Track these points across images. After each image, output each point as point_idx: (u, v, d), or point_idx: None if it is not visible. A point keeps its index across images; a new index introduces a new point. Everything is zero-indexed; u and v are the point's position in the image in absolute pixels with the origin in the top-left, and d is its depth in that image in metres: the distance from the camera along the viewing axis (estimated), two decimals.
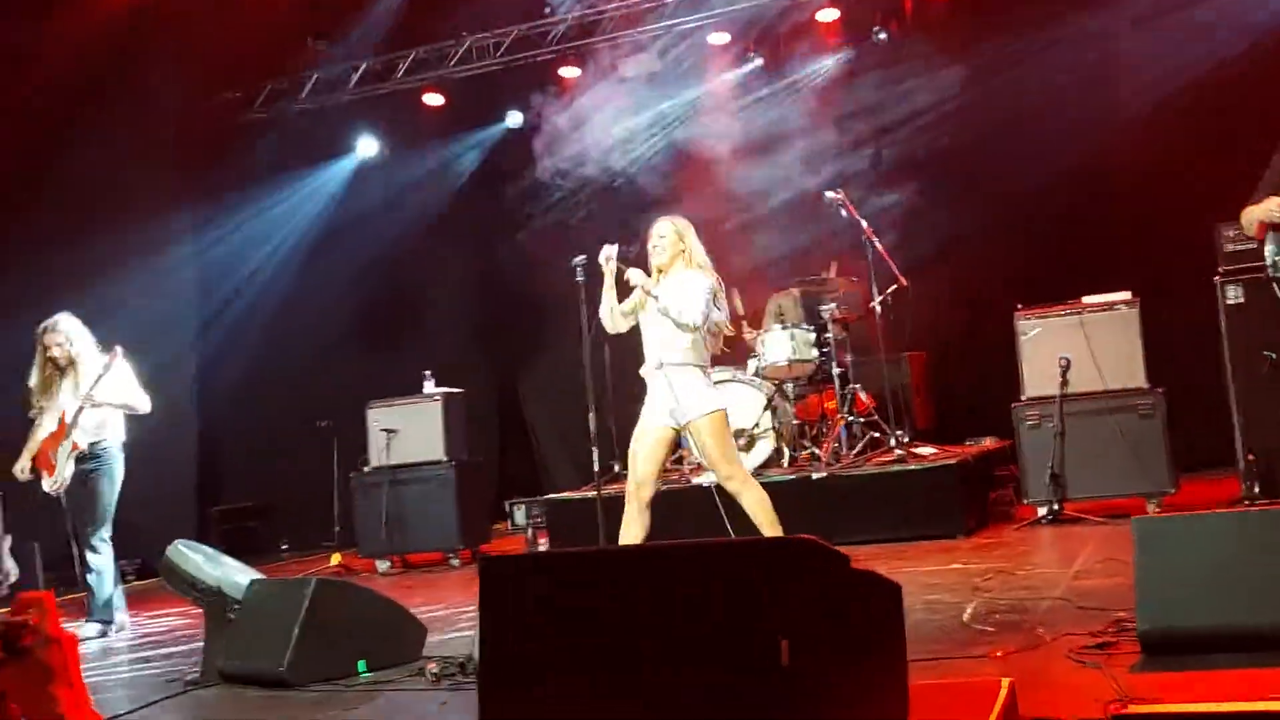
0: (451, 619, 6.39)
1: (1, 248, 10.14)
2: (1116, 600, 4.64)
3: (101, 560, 7.23)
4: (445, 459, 9.27)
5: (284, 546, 12.01)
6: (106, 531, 7.27)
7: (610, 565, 2.32)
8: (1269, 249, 5.21)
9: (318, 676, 4.94)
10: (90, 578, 7.24)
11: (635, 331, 6.22)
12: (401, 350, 11.83)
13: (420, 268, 12.73)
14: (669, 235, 6.12)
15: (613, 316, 6.04)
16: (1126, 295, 7.77)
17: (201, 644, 5.51)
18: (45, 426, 7.22)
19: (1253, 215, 5.36)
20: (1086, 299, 7.85)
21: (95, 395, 7.11)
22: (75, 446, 7.12)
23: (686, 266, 6.10)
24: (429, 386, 9.57)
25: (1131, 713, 3.03)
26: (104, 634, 7.16)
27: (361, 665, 5.04)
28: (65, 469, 7.12)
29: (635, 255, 7.12)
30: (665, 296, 5.91)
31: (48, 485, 7.18)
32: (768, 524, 5.99)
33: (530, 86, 12.17)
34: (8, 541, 7.63)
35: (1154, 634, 3.88)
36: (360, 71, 12.38)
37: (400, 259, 12.52)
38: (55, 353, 7.23)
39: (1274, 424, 6.99)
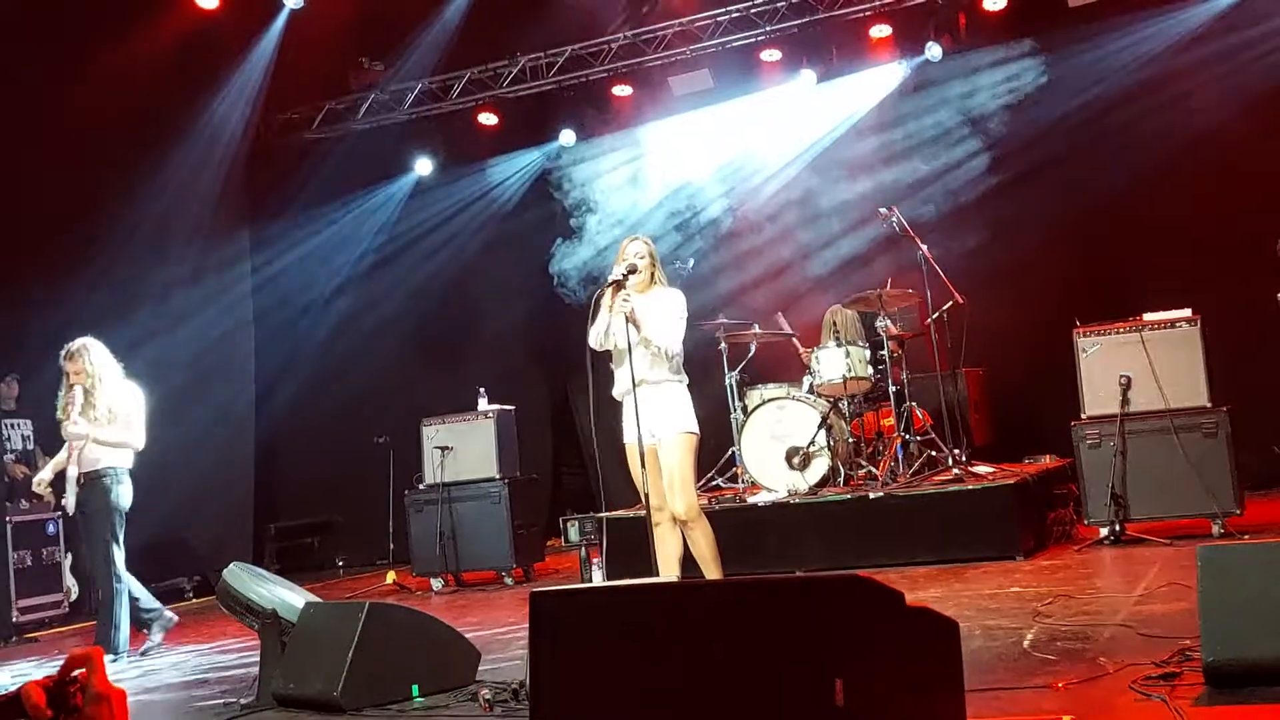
0: (505, 640, 6.38)
1: (80, 265, 10.27)
2: (1181, 627, 4.56)
3: (116, 586, 7.20)
4: (498, 476, 9.28)
5: (340, 563, 12.07)
6: (117, 556, 7.22)
7: (661, 601, 2.29)
8: None
9: (371, 701, 4.93)
10: (101, 610, 7.30)
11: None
12: (456, 366, 11.91)
13: (475, 284, 12.79)
14: (646, 256, 6.05)
15: (605, 336, 5.94)
16: (1188, 313, 7.65)
17: (256, 667, 5.53)
18: (66, 448, 7.23)
19: None
20: (1147, 316, 7.73)
21: (95, 432, 7.09)
22: (79, 474, 7.13)
23: (658, 285, 6.08)
24: (483, 403, 9.58)
25: None
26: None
27: (415, 690, 5.03)
28: (70, 496, 7.14)
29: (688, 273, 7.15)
30: (647, 327, 5.81)
31: (68, 504, 7.24)
32: (712, 562, 5.97)
33: (583, 105, 12.23)
34: (69, 560, 7.69)
35: (1220, 665, 3.80)
36: (416, 92, 12.47)
37: (455, 276, 12.59)
38: (74, 378, 7.18)
39: None
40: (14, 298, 9.67)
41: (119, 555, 7.27)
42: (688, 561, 6.21)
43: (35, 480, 7.30)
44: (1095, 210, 10.18)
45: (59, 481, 7.25)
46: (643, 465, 5.84)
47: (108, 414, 7.13)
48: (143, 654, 7.22)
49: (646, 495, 5.81)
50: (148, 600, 7.46)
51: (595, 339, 5.96)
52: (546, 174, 12.80)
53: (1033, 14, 10.74)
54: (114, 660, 7.04)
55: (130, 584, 7.30)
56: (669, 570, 6.00)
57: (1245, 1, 9.97)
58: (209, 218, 11.91)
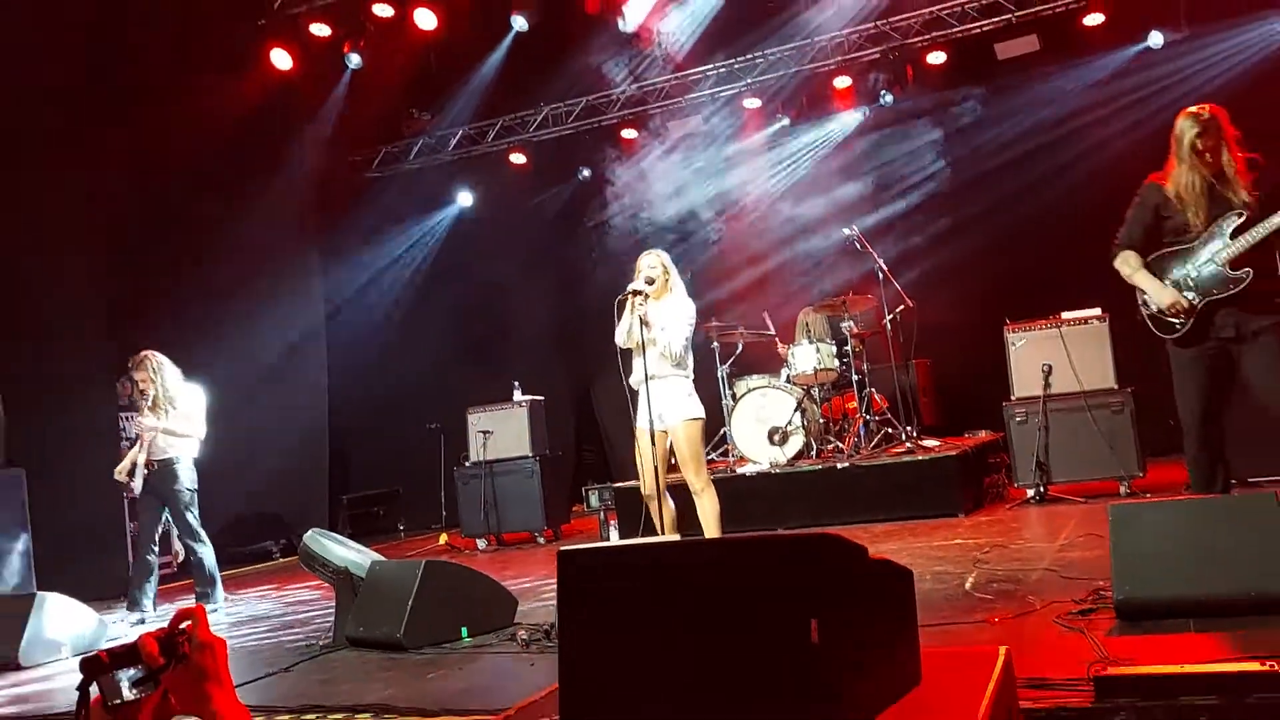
0: (538, 590, 6.39)
1: (183, 283, 10.32)
2: (1096, 571, 4.56)
3: (202, 549, 7.21)
4: (531, 454, 9.29)
5: (401, 528, 12.08)
6: (196, 525, 7.22)
7: (667, 556, 2.30)
8: (1140, 296, 4.94)
9: (428, 641, 4.95)
10: (195, 569, 7.25)
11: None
12: (495, 364, 11.90)
13: (510, 296, 12.79)
14: (659, 267, 5.89)
15: (629, 336, 5.81)
16: (1098, 311, 7.64)
17: (332, 614, 5.55)
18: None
19: (1130, 278, 4.93)
20: (1065, 314, 7.72)
21: (163, 425, 7.09)
22: (148, 461, 7.11)
23: (670, 293, 5.91)
24: (517, 394, 9.59)
25: (1111, 674, 2.95)
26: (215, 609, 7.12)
27: (464, 631, 5.05)
28: (137, 480, 7.11)
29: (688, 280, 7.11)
30: (659, 333, 5.71)
31: (132, 489, 7.26)
32: (715, 527, 5.87)
33: (598, 146, 12.23)
34: (133, 530, 7.69)
35: (1128, 602, 3.80)
36: (457, 137, 12.47)
37: (494, 289, 12.60)
38: (142, 384, 7.16)
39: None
40: (130, 309, 9.70)
41: (198, 523, 7.27)
42: (689, 525, 6.18)
43: (116, 470, 7.20)
44: (1021, 226, 10.15)
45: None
46: (654, 444, 5.73)
47: (171, 410, 7.11)
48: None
49: (656, 469, 5.73)
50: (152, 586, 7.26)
51: (620, 338, 5.82)
52: (568, 202, 12.80)
53: (969, 65, 10.73)
54: (213, 611, 7.04)
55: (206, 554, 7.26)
56: (668, 533, 5.96)
57: (1143, 54, 9.98)
58: (286, 241, 11.93)
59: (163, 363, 7.22)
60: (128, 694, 1.46)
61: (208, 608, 6.95)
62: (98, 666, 1.47)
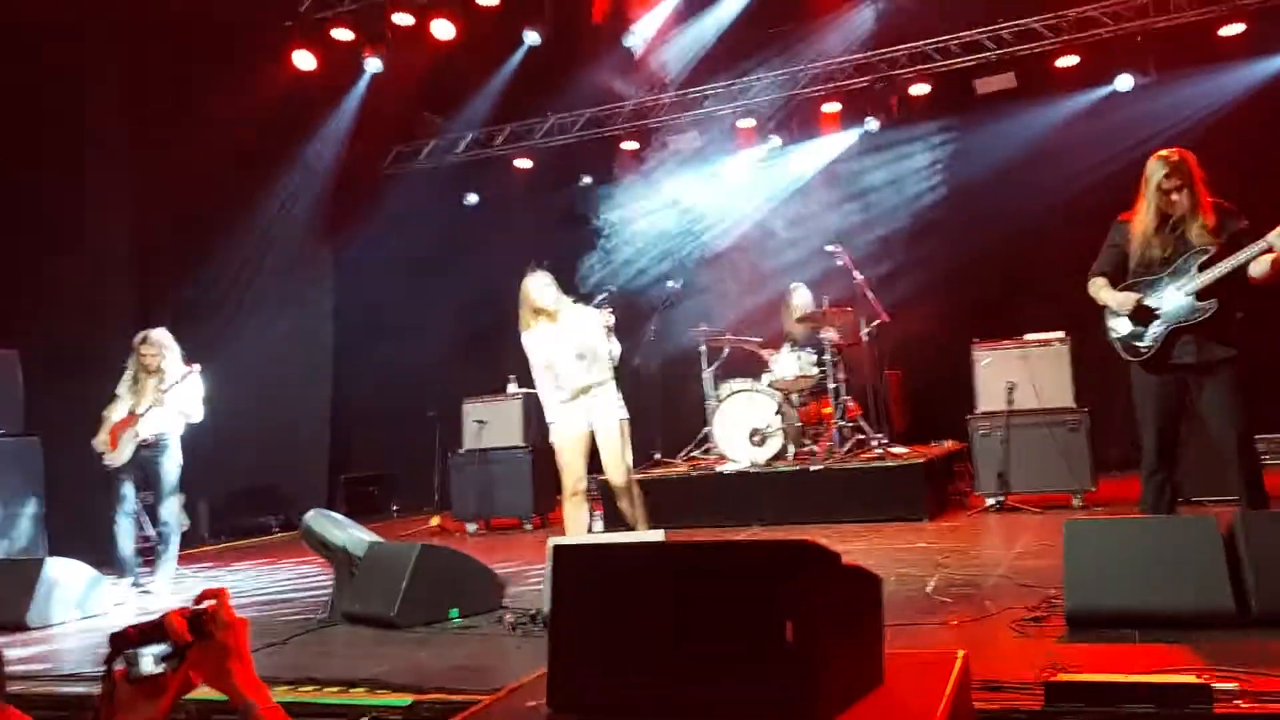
0: (525, 574, 6.41)
1: (200, 272, 10.32)
2: (1049, 579, 4.59)
3: (169, 526, 6.98)
4: (523, 445, 9.30)
5: (395, 509, 12.08)
6: (176, 502, 7.05)
7: (652, 555, 2.33)
8: (1108, 322, 4.98)
9: (420, 620, 4.94)
10: (161, 544, 6.99)
11: (666, 347, 6.28)
12: (492, 357, 11.84)
13: (509, 293, 12.64)
14: (552, 285, 6.21)
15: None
16: (1060, 334, 7.71)
17: (330, 591, 5.55)
18: (118, 413, 6.95)
19: (1097, 297, 4.97)
20: (1028, 336, 7.78)
21: (165, 399, 6.84)
22: (139, 436, 6.86)
23: (571, 305, 6.23)
24: (512, 387, 9.60)
25: (1060, 680, 3.00)
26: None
27: (454, 612, 5.04)
28: (126, 451, 6.84)
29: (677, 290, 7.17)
30: (601, 342, 5.95)
31: (109, 459, 6.88)
32: (644, 520, 6.04)
33: (599, 155, 12.23)
34: (182, 498, 7.59)
35: (1078, 612, 3.86)
36: (467, 140, 12.46)
37: (493, 286, 12.47)
38: (148, 360, 6.94)
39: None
40: (151, 289, 9.69)
41: (180, 503, 7.15)
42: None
43: (95, 442, 6.91)
44: (992, 251, 10.22)
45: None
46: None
47: (174, 386, 6.88)
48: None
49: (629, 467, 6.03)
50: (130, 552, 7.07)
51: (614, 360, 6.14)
52: (568, 208, 12.79)
53: (949, 98, 10.79)
54: (145, 593, 6.81)
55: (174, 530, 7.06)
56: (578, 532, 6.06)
57: (1111, 96, 10.06)
58: (300, 232, 11.92)
59: (171, 342, 7.07)
60: (153, 668, 1.48)
61: (153, 580, 6.91)
62: (125, 641, 1.49)
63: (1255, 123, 9.18)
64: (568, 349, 6.00)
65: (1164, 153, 4.74)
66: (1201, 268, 4.59)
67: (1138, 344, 4.78)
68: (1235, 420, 4.59)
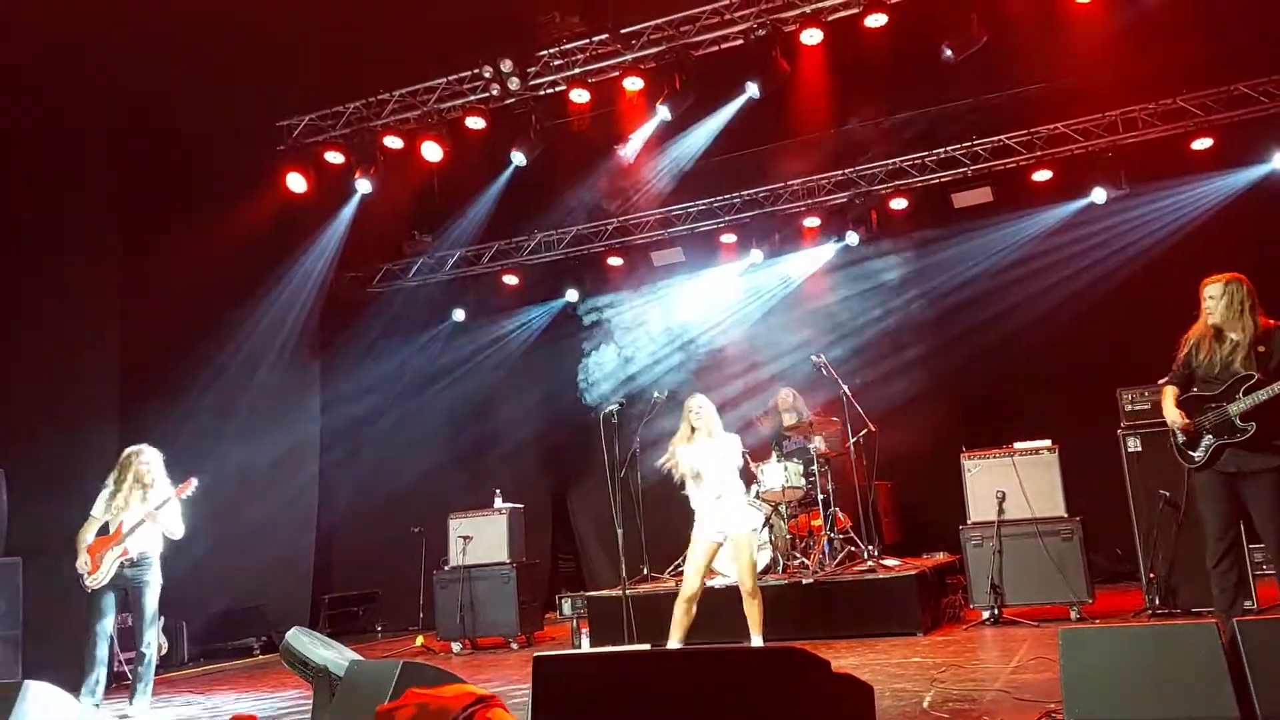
0: (509, 695, 6.21)
1: (190, 384, 10.32)
2: (1048, 693, 4.50)
3: (150, 646, 6.73)
4: (508, 561, 9.15)
5: (379, 628, 11.81)
6: (156, 622, 6.83)
7: (636, 665, 2.26)
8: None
9: None
10: (141, 666, 6.70)
11: (653, 460, 6.40)
12: (478, 472, 11.82)
13: (495, 408, 12.78)
14: (707, 407, 6.55)
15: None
16: (1048, 442, 7.71)
17: (310, 711, 5.37)
18: (91, 534, 6.76)
19: (1166, 413, 5.34)
20: (1017, 444, 7.77)
21: (159, 515, 6.74)
22: (125, 553, 6.68)
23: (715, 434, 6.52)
24: (498, 502, 9.49)
25: None
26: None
27: None
28: (108, 570, 6.67)
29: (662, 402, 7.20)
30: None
31: (91, 581, 6.67)
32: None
33: (585, 271, 12.39)
34: (161, 621, 7.38)
35: None
36: (455, 258, 12.63)
37: (480, 401, 12.59)
38: (142, 474, 6.82)
39: (1169, 549, 6.88)
40: (137, 407, 9.64)
41: (159, 623, 6.92)
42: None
43: (79, 565, 6.69)
44: (976, 360, 10.31)
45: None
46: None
47: (161, 504, 6.78)
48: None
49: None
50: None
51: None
52: (554, 323, 12.90)
53: (928, 211, 11.03)
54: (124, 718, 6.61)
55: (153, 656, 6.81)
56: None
57: (1087, 208, 10.30)
58: (290, 350, 11.96)
59: (157, 458, 6.98)
60: None
61: (130, 705, 6.67)
62: None
63: (1228, 232, 9.38)
64: (710, 463, 6.43)
65: (1215, 277, 5.16)
66: (1245, 392, 5.00)
67: (1192, 453, 5.21)
68: (1276, 522, 4.94)
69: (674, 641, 6.33)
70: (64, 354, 9.30)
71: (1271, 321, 5.06)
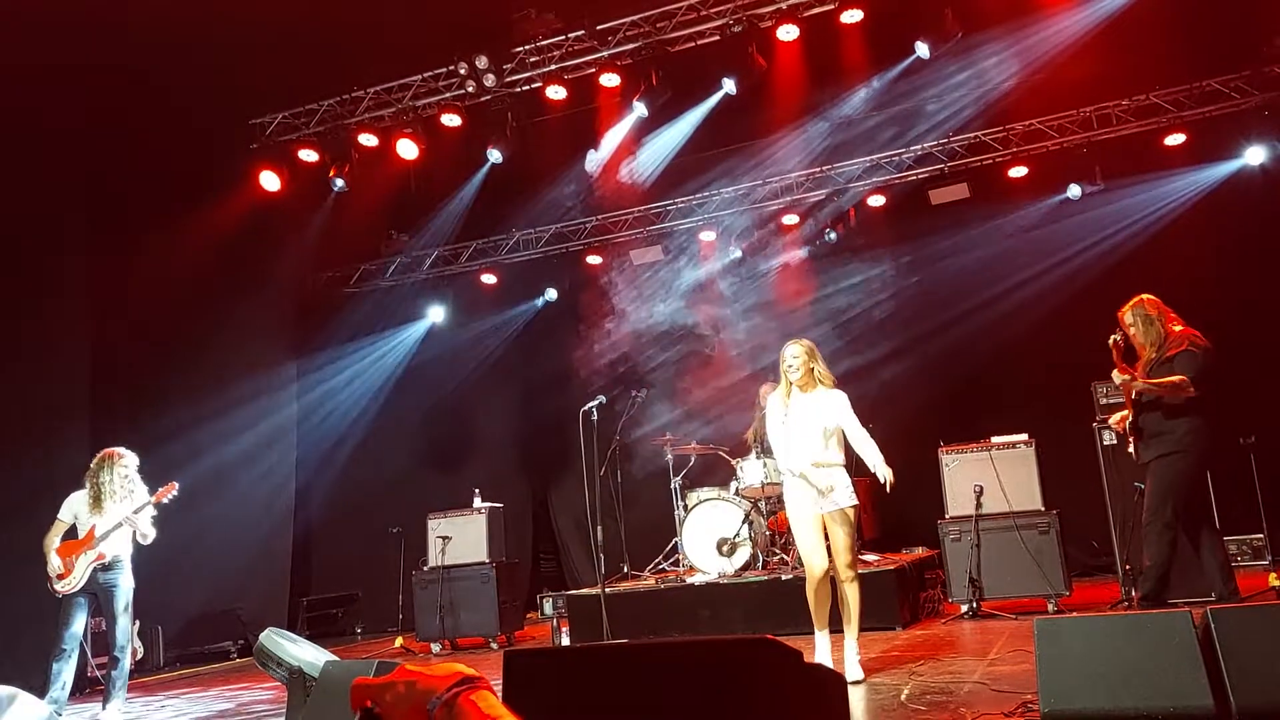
0: None
1: (164, 388, 10.23)
2: (1024, 684, 4.52)
3: (124, 650, 6.66)
4: (488, 561, 9.11)
5: (358, 630, 11.75)
6: (130, 625, 6.77)
7: (609, 659, 2.25)
8: None
9: None
10: (115, 670, 6.61)
11: (634, 458, 6.22)
12: (457, 471, 11.77)
13: (474, 407, 12.73)
14: (801, 356, 5.82)
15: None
16: (1025, 436, 7.74)
17: (284, 712, 5.32)
18: (57, 537, 6.69)
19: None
20: (994, 439, 7.80)
21: (136, 519, 6.67)
22: (100, 556, 6.60)
23: (824, 386, 5.84)
24: (477, 501, 9.45)
25: None
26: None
27: None
28: (81, 574, 6.59)
29: (642, 400, 7.16)
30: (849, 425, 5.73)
31: (63, 586, 6.57)
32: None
33: (563, 270, 12.37)
34: (136, 625, 7.31)
35: (1053, 715, 3.75)
36: (432, 257, 12.58)
37: (459, 400, 12.54)
38: (123, 480, 6.75)
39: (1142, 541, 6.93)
40: (110, 412, 9.55)
41: (132, 627, 6.85)
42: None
43: (51, 569, 6.60)
44: (954, 354, 10.36)
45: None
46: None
47: (140, 508, 6.70)
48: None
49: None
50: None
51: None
52: (533, 321, 12.87)
53: (906, 208, 11.08)
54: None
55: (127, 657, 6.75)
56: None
57: (1063, 203, 10.36)
58: (267, 350, 11.88)
59: (135, 460, 6.91)
60: None
61: (103, 710, 6.57)
62: None
63: (1201, 225, 9.46)
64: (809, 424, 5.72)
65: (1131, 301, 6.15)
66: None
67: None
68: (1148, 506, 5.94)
69: (819, 632, 5.76)
70: (33, 355, 9.18)
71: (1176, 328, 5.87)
